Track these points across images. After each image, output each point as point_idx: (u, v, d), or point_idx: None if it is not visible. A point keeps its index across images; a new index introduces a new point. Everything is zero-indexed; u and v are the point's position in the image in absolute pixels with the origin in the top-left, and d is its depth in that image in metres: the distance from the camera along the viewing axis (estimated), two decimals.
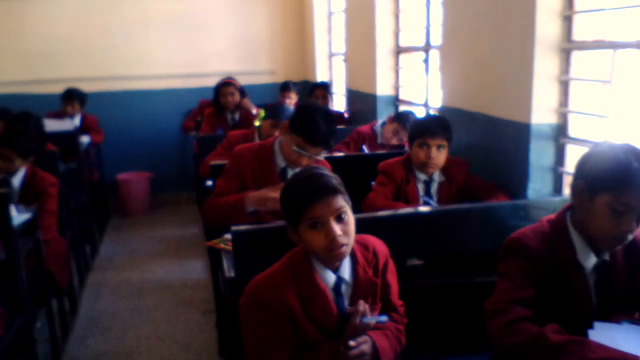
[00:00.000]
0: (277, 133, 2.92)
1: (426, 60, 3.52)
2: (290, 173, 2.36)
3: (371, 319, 1.45)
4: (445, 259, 2.02)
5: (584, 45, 2.27)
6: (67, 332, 3.21)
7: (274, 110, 3.25)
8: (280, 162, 2.39)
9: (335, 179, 1.45)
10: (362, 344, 1.44)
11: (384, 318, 1.48)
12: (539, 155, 2.40)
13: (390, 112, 3.90)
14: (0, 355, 2.16)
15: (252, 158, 2.39)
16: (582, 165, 1.49)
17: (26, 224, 2.67)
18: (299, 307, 1.43)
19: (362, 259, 1.53)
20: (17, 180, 3.02)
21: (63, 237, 3.27)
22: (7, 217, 2.39)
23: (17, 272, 2.43)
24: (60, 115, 4.84)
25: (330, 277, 1.48)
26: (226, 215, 2.24)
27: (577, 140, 2.34)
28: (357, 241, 1.51)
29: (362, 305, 1.45)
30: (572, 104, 2.36)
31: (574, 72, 2.32)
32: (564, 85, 2.35)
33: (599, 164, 1.44)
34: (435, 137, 2.42)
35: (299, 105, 2.33)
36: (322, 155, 2.33)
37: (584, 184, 1.45)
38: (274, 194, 2.13)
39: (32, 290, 2.63)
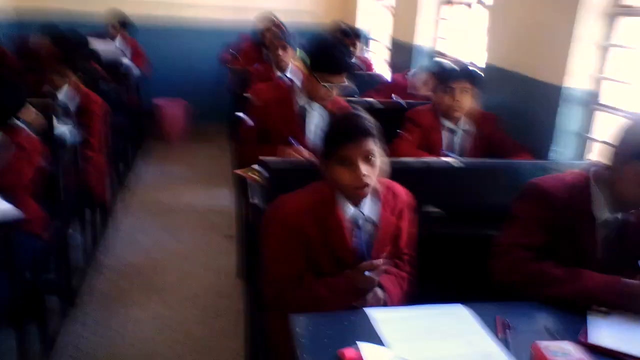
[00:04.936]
0: (279, 52, 3.43)
1: (470, 16, 3.48)
2: (310, 111, 2.44)
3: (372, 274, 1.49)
4: (463, 210, 2.09)
5: (632, 12, 2.22)
6: (98, 241, 3.44)
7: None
8: (300, 100, 2.45)
9: (369, 122, 1.52)
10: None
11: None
12: (567, 119, 2.42)
13: (427, 63, 3.89)
14: (39, 253, 2.36)
15: (270, 98, 2.46)
16: (626, 131, 1.52)
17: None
18: (316, 234, 1.54)
19: (385, 200, 1.62)
20: (62, 96, 3.14)
21: (101, 153, 3.42)
22: (51, 126, 2.54)
23: (57, 180, 2.59)
24: (101, 36, 4.94)
25: (351, 211, 1.57)
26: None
27: (607, 108, 2.34)
28: (382, 184, 1.60)
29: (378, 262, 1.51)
30: (608, 71, 2.34)
31: (615, 38, 2.30)
32: (603, 52, 2.33)
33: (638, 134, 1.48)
34: (459, 81, 2.47)
35: (310, 47, 2.40)
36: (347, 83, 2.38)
37: (622, 148, 1.49)
38: (305, 153, 2.30)
39: (70, 200, 2.80)
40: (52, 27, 4.18)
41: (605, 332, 1.33)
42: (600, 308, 1.40)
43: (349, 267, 1.55)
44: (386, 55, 5.03)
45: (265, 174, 1.93)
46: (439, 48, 4.06)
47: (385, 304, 1.54)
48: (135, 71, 4.88)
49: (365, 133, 1.49)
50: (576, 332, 1.32)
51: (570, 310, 1.41)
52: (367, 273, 1.49)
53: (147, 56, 5.34)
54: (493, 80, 2.87)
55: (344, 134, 1.49)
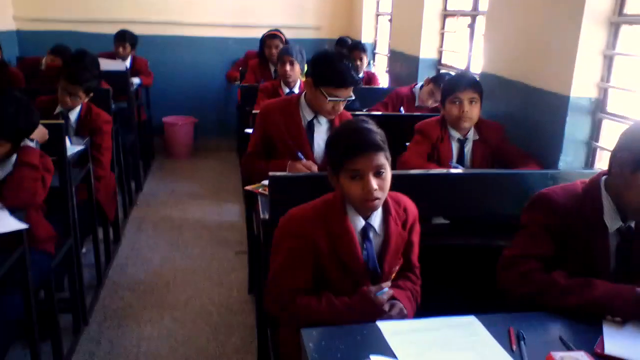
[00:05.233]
0: (287, 67, 3.46)
1: (472, 26, 3.50)
2: (317, 125, 2.45)
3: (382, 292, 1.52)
4: (471, 221, 2.09)
5: (635, 20, 2.23)
6: (110, 259, 3.46)
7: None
8: (307, 115, 2.44)
9: (380, 135, 1.53)
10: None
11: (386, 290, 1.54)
12: (575, 128, 2.41)
13: (428, 75, 3.90)
14: (52, 272, 2.38)
15: (278, 113, 2.45)
16: (631, 138, 1.50)
17: (79, 156, 2.87)
18: (326, 244, 1.54)
19: (394, 213, 1.62)
20: (73, 115, 3.19)
21: (112, 172, 3.46)
22: (63, 147, 2.57)
23: (68, 199, 2.62)
24: (112, 56, 5.01)
25: (360, 222, 1.58)
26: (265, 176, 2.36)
27: (614, 116, 2.34)
28: (391, 196, 1.61)
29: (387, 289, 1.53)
30: (614, 80, 2.34)
31: (620, 47, 2.30)
32: (608, 60, 2.34)
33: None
34: (466, 91, 2.48)
35: (312, 60, 2.38)
36: (353, 96, 2.37)
37: (629, 156, 1.47)
38: (314, 168, 2.34)
39: (82, 219, 2.83)
40: (61, 48, 4.24)
41: (622, 342, 1.31)
42: (615, 318, 1.39)
43: (357, 278, 1.56)
44: (386, 65, 5.06)
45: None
46: (440, 58, 4.08)
47: (404, 317, 1.53)
48: (136, 82, 4.94)
49: (377, 147, 1.50)
50: (592, 343, 1.31)
51: (585, 321, 1.40)
52: (378, 294, 1.50)
53: (151, 72, 5.40)
54: (496, 90, 2.89)
55: (355, 147, 1.49)
